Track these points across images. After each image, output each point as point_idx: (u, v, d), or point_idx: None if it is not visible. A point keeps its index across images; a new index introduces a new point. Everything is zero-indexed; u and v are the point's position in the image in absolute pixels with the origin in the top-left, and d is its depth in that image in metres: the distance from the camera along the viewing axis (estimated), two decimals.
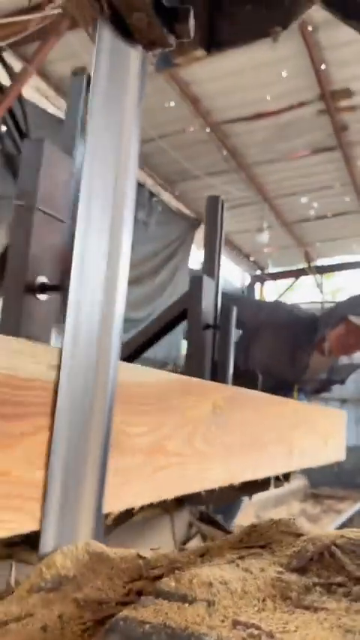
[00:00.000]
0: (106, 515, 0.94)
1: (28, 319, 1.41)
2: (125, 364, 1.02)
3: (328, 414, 2.30)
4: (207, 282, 2.24)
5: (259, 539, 0.76)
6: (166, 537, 1.72)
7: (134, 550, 0.80)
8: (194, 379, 1.23)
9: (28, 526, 0.83)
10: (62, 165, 1.58)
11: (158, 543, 1.60)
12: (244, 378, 2.34)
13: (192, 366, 2.18)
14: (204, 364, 2.21)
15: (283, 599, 0.57)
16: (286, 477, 1.84)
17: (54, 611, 0.67)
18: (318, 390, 4.18)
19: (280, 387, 3.25)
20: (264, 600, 0.56)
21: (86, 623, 0.64)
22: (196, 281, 2.26)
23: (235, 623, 0.50)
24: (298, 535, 0.75)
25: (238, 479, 1.35)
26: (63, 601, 0.69)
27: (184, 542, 1.81)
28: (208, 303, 2.24)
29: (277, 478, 1.75)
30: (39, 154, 1.49)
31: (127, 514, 1.08)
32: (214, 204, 2.54)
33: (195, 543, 1.81)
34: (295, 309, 4.17)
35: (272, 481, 1.74)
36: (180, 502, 1.25)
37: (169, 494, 1.06)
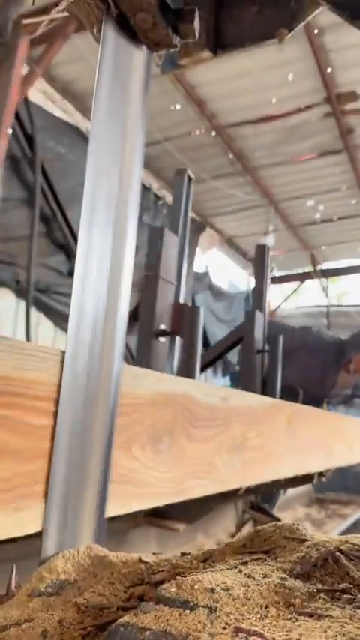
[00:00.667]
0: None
1: (155, 356, 2.06)
2: (251, 395, 1.57)
3: (356, 424, 2.69)
4: (258, 315, 2.87)
5: (263, 545, 0.75)
6: (230, 521, 2.26)
7: (136, 554, 0.80)
8: (278, 400, 1.75)
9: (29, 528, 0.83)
10: (173, 243, 2.34)
11: (223, 526, 2.18)
12: (285, 393, 2.89)
13: (246, 384, 2.75)
14: (256, 383, 2.78)
15: (287, 605, 0.56)
16: (323, 474, 2.23)
17: (54, 616, 0.66)
18: (344, 402, 4.97)
19: (312, 400, 3.71)
20: (267, 607, 0.55)
21: (87, 629, 0.63)
22: (250, 314, 2.89)
23: (237, 631, 0.50)
24: (302, 540, 0.74)
25: (301, 471, 1.82)
26: (63, 606, 0.69)
27: (240, 526, 2.26)
28: (258, 332, 2.85)
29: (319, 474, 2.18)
30: (160, 239, 2.22)
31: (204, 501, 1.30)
32: (261, 252, 3.28)
33: (248, 528, 2.20)
34: (322, 333, 4.91)
35: (316, 476, 2.15)
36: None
37: (261, 480, 1.52)
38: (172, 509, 1.20)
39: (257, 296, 3.19)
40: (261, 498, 2.52)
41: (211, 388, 1.27)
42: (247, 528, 2.17)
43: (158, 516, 1.65)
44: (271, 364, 2.74)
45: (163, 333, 2.14)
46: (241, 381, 2.87)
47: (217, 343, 3.12)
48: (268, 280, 3.15)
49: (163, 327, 2.14)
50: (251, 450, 1.43)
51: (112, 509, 0.93)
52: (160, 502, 1.06)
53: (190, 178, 3.02)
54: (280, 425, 1.62)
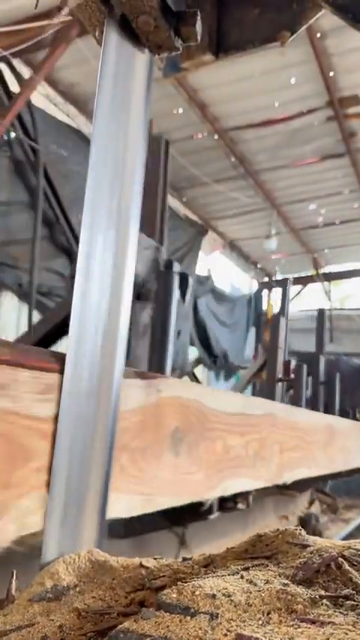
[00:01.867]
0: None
1: None
2: (315, 413, 2.33)
3: None
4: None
5: (265, 550, 0.75)
6: (305, 499, 3.16)
7: (137, 559, 0.79)
8: (328, 416, 2.55)
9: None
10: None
11: (300, 501, 3.02)
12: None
13: None
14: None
15: (289, 612, 0.55)
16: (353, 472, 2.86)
17: (55, 622, 0.66)
18: None
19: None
20: (269, 613, 0.54)
21: (87, 635, 0.62)
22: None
23: (239, 637, 0.49)
24: (304, 546, 0.73)
25: (346, 467, 2.47)
26: (64, 611, 0.68)
27: (311, 503, 3.15)
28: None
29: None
30: None
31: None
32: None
33: (315, 506, 3.18)
34: (350, 360, 6.75)
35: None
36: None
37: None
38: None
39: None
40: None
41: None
42: (315, 506, 3.18)
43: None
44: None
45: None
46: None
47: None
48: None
49: None
50: (317, 450, 2.15)
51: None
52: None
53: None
54: (325, 434, 2.25)
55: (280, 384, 3.25)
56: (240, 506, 1.78)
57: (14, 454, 0.78)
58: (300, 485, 2.50)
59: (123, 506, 0.97)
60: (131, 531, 1.44)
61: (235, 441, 1.42)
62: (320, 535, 2.87)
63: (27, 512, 0.80)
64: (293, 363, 3.36)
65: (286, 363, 3.25)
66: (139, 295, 1.82)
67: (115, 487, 0.92)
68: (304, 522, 2.87)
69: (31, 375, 0.80)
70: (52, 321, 2.17)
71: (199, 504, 1.41)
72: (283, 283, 3.51)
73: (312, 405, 3.70)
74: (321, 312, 4.04)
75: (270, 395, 3.13)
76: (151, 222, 2.10)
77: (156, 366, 1.86)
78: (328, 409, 3.60)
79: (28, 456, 0.80)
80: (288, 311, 3.58)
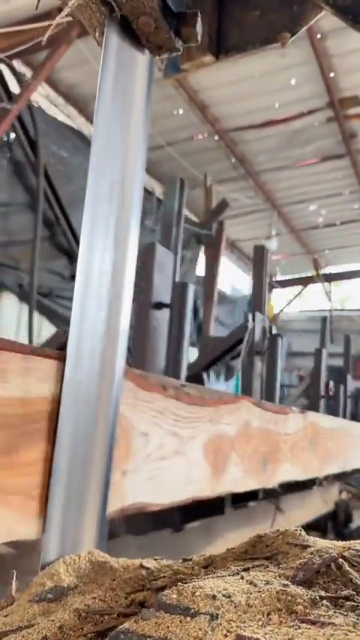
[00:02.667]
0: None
1: None
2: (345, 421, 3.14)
3: None
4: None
5: (265, 551, 0.75)
6: (336, 491, 3.58)
7: (137, 560, 0.79)
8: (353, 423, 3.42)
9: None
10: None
11: (332, 493, 3.42)
12: None
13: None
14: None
15: (289, 613, 0.55)
16: None
17: (55, 622, 0.66)
18: None
19: None
20: (269, 614, 0.54)
21: (87, 635, 0.62)
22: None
23: (239, 638, 0.49)
24: (305, 546, 0.73)
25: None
26: (64, 612, 0.68)
27: (340, 492, 3.57)
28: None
29: None
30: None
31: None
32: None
33: (344, 495, 3.64)
34: None
35: None
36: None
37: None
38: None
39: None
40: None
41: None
42: (343, 494, 3.63)
43: None
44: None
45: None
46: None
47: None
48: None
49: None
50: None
51: None
52: None
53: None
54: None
55: (322, 399, 4.10)
56: (316, 486, 2.84)
57: None
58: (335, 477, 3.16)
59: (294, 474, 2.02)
60: (241, 500, 1.94)
61: (330, 444, 2.50)
62: (351, 517, 3.62)
63: None
64: (331, 384, 4.24)
65: (327, 384, 4.14)
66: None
67: (289, 461, 1.92)
68: (339, 506, 3.54)
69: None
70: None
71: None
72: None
73: (343, 415, 4.28)
74: (347, 339, 4.82)
75: (314, 408, 3.88)
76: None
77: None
78: (357, 418, 4.38)
79: None
80: (328, 344, 4.52)
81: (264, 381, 2.83)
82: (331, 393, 4.18)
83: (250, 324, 2.81)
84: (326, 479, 2.86)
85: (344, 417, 4.17)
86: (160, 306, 2.10)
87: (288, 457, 1.90)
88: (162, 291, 2.11)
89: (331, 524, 3.49)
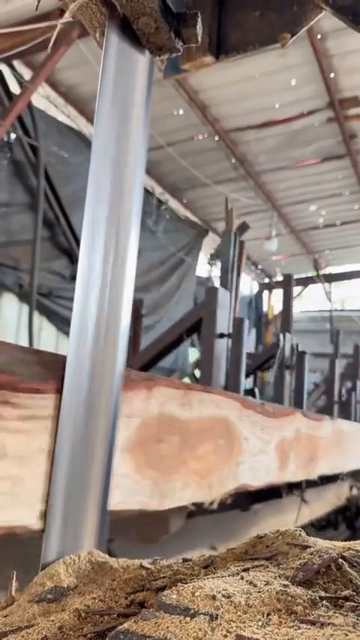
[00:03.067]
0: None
1: None
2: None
3: None
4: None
5: (265, 551, 0.75)
6: (346, 487, 3.57)
7: (137, 560, 0.79)
8: None
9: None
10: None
11: (343, 489, 3.50)
12: None
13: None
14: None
15: (289, 613, 0.55)
16: None
17: (55, 623, 0.66)
18: None
19: None
20: (269, 615, 0.54)
21: (87, 635, 0.62)
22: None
23: (239, 638, 0.49)
24: (305, 547, 0.73)
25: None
26: (64, 612, 0.68)
27: (351, 488, 3.66)
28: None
29: None
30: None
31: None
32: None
33: (355, 491, 3.68)
34: None
35: None
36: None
37: None
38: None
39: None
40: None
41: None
42: (354, 490, 3.75)
43: None
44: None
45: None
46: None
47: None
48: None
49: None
50: None
51: None
52: None
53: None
54: None
55: (336, 404, 4.48)
56: (339, 480, 3.24)
57: None
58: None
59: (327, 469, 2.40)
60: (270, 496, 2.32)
61: (349, 445, 2.83)
62: None
63: None
64: (344, 391, 4.68)
65: (340, 390, 4.61)
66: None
67: (324, 459, 2.32)
68: (350, 502, 3.74)
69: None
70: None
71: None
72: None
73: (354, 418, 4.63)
74: (357, 349, 5.25)
75: (329, 412, 4.15)
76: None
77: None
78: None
79: None
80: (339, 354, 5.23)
81: (293, 391, 3.42)
82: (343, 399, 4.63)
83: (281, 343, 3.35)
84: (339, 476, 3.19)
85: (355, 420, 4.63)
86: (222, 336, 2.59)
87: (323, 455, 2.37)
88: (223, 324, 2.60)
89: (342, 517, 3.80)
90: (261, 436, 1.64)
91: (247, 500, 2.14)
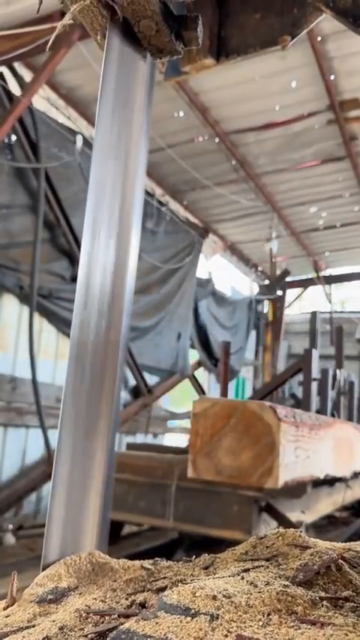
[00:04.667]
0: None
1: None
2: None
3: None
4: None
5: (265, 552, 0.75)
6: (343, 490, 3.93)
7: (137, 561, 0.79)
8: None
9: None
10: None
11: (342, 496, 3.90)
12: None
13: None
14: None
15: (289, 613, 0.55)
16: None
17: (55, 623, 0.66)
18: None
19: None
20: (269, 615, 0.54)
21: (88, 636, 0.63)
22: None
23: (239, 638, 0.49)
24: (305, 547, 0.74)
25: None
26: (65, 612, 0.68)
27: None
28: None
29: None
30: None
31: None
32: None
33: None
34: None
35: None
36: None
37: None
38: None
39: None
40: None
41: None
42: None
43: None
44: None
45: None
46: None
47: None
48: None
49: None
50: None
51: None
52: None
53: (316, 314, 4.58)
54: None
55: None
56: None
57: None
58: None
59: None
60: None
61: None
62: None
63: None
64: None
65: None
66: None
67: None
68: None
69: None
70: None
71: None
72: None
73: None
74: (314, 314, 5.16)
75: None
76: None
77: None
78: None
79: None
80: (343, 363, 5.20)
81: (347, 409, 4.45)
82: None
83: (338, 376, 4.33)
84: None
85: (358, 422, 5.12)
86: (314, 379, 3.80)
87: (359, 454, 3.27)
88: (315, 371, 3.87)
89: None
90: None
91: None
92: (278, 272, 11.56)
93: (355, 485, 4.02)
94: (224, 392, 4.35)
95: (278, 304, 11.56)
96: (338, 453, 2.83)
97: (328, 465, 2.67)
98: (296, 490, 2.65)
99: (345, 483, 3.70)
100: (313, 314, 4.79)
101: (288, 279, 13.07)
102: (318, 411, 3.62)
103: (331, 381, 4.15)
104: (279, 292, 11.78)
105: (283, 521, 2.80)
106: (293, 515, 2.95)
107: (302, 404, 3.67)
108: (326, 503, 3.56)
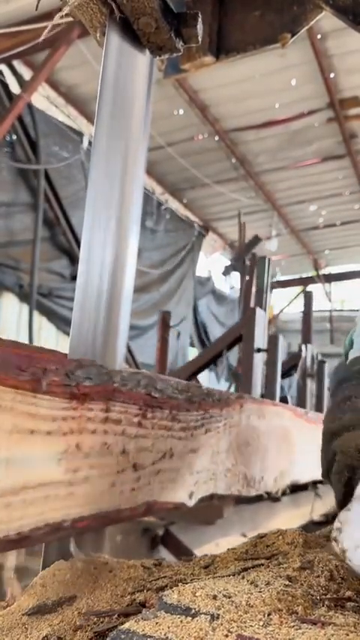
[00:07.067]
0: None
1: None
2: None
3: None
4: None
5: (265, 551, 0.75)
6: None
7: (137, 561, 0.79)
8: None
9: None
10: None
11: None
12: None
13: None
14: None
15: (290, 613, 0.55)
16: None
17: (55, 622, 0.66)
18: None
19: None
20: (269, 614, 0.54)
21: (88, 635, 0.62)
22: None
23: (239, 638, 0.49)
24: (305, 546, 0.73)
25: None
26: (65, 612, 0.68)
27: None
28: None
29: None
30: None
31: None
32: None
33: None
34: None
35: None
36: None
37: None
38: None
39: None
40: None
41: None
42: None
43: None
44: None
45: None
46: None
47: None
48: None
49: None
50: None
51: None
52: None
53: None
54: None
55: None
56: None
57: None
58: None
59: None
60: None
61: None
62: None
63: None
64: None
65: None
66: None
67: None
68: None
69: None
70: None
71: None
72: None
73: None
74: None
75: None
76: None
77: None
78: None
79: None
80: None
81: (315, 397, 3.68)
82: None
83: (303, 353, 3.58)
84: None
85: None
86: (258, 350, 2.87)
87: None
88: (259, 340, 2.87)
89: None
90: (305, 439, 1.87)
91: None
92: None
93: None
94: (162, 368, 3.81)
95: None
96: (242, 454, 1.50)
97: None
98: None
99: (314, 491, 2.83)
100: (308, 294, 4.56)
101: (288, 278, 13.07)
102: (263, 396, 2.83)
103: (302, 363, 3.47)
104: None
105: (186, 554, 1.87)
106: (205, 548, 2.01)
107: (242, 384, 2.92)
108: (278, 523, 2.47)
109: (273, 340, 3.05)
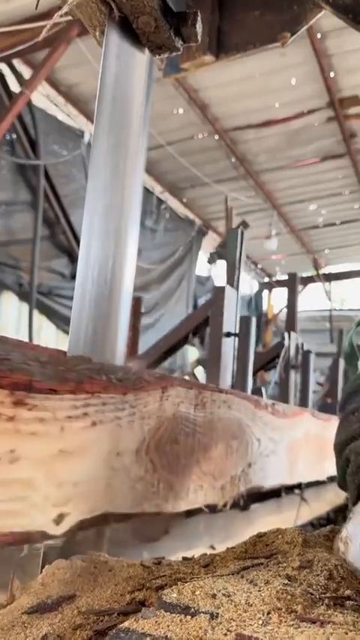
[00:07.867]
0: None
1: None
2: None
3: None
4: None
5: (265, 550, 0.75)
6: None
7: (138, 559, 0.79)
8: None
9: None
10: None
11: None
12: None
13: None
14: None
15: (289, 612, 0.55)
16: None
17: (55, 621, 0.66)
18: None
19: None
20: (269, 613, 0.54)
21: (87, 634, 0.63)
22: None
23: (239, 637, 0.49)
24: (305, 545, 0.74)
25: None
26: (64, 611, 0.68)
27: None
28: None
29: None
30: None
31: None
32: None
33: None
34: None
35: None
36: None
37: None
38: None
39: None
40: None
41: None
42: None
43: None
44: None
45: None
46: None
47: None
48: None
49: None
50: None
51: None
52: None
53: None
54: None
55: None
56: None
57: None
58: None
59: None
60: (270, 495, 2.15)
61: None
62: None
63: None
64: None
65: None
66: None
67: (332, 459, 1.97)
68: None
69: None
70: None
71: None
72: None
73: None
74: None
75: (333, 411, 4.13)
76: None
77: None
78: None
79: None
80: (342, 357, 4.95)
81: (298, 390, 3.36)
82: None
83: (286, 342, 3.24)
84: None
85: None
86: (228, 335, 2.51)
87: (331, 456, 2.15)
88: (230, 322, 2.51)
89: (342, 516, 3.69)
90: (272, 437, 1.60)
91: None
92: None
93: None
94: (133, 351, 3.45)
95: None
96: (166, 456, 1.07)
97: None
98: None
99: (300, 495, 2.56)
100: (292, 275, 4.17)
101: (286, 277, 13.04)
102: (233, 387, 2.54)
103: (284, 352, 3.13)
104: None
105: None
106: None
107: (208, 375, 2.54)
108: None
109: (245, 323, 2.62)
